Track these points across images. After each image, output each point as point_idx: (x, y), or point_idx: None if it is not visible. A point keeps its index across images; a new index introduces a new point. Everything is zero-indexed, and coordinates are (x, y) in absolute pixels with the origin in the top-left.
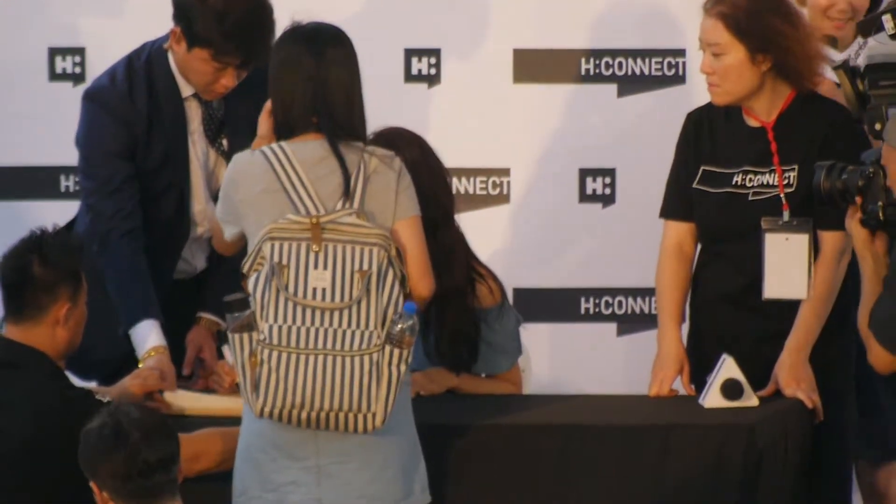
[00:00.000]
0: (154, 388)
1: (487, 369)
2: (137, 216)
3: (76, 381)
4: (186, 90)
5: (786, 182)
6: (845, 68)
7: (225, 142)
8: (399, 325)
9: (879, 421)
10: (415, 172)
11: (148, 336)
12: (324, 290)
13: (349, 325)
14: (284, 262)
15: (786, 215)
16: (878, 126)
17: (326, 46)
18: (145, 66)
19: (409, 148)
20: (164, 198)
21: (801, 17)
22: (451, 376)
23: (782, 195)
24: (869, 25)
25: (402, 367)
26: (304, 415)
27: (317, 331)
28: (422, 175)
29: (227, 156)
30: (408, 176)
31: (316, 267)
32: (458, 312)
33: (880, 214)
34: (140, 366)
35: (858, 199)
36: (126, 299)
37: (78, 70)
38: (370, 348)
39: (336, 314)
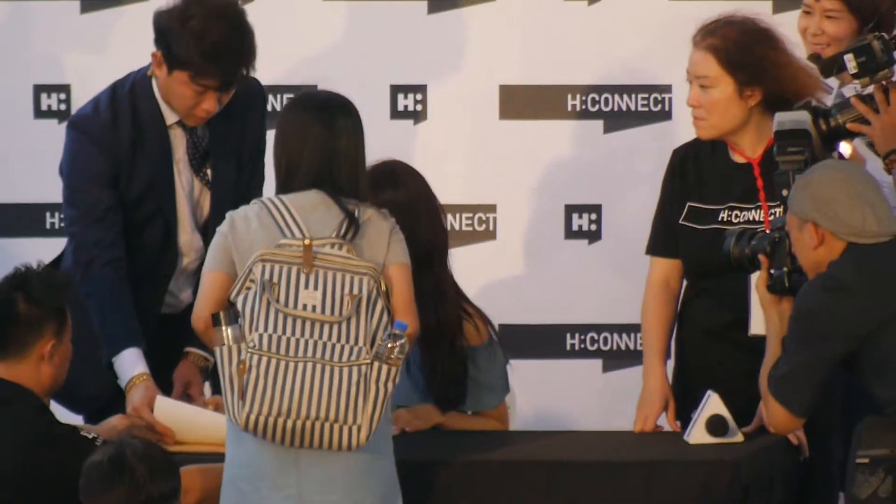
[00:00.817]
0: (141, 435)
1: (475, 406)
2: (120, 246)
3: (66, 416)
4: (171, 117)
5: (772, 218)
6: (808, 108)
7: (209, 171)
8: (389, 343)
9: None
10: (418, 204)
11: (133, 364)
12: (314, 305)
13: (338, 339)
14: (275, 280)
15: None
16: (784, 192)
17: (337, 116)
18: (129, 93)
19: (412, 181)
20: (149, 227)
21: (791, 51)
22: (437, 413)
23: (766, 231)
24: (831, 65)
25: (390, 386)
26: (289, 424)
27: (306, 341)
28: (424, 208)
29: (211, 185)
30: (400, 232)
31: (307, 287)
32: (447, 350)
33: (785, 281)
34: (127, 394)
35: (764, 262)
36: (108, 328)
37: (63, 107)
38: (358, 360)
39: (326, 327)
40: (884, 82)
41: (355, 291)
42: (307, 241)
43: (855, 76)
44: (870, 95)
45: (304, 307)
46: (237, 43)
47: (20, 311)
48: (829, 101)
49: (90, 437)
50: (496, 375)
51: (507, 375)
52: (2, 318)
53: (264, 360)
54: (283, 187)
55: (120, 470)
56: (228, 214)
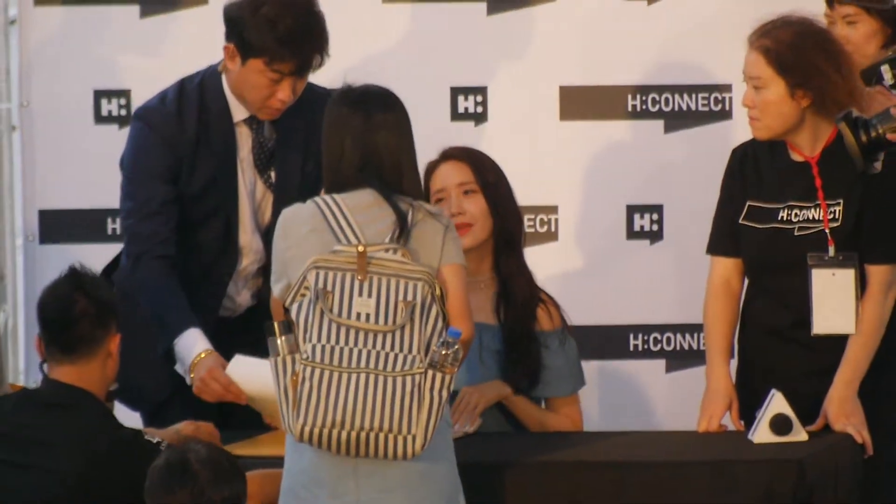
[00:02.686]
0: (207, 438)
1: (546, 392)
2: (173, 243)
3: (125, 415)
4: (238, 114)
5: (831, 217)
6: (847, 120)
7: (273, 174)
8: (443, 350)
9: None
10: (498, 171)
11: (195, 343)
12: (368, 314)
13: (392, 348)
14: (329, 288)
15: (831, 250)
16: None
17: (374, 109)
18: (198, 88)
19: (494, 167)
20: (208, 225)
21: (845, 55)
22: (505, 386)
23: (827, 230)
24: (870, 75)
25: (444, 393)
26: (344, 435)
27: (360, 351)
28: (506, 189)
29: (274, 188)
30: (455, 231)
31: (361, 294)
32: (525, 332)
33: None
34: (194, 372)
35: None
36: (163, 314)
37: (123, 112)
38: (412, 370)
39: (379, 336)
40: None
41: (409, 297)
42: (361, 248)
43: (892, 87)
44: None
45: (358, 316)
46: (311, 27)
47: (87, 309)
48: None
49: (154, 441)
50: (569, 362)
51: (581, 367)
52: (68, 319)
53: (318, 371)
54: (332, 184)
55: (183, 474)
56: (280, 216)
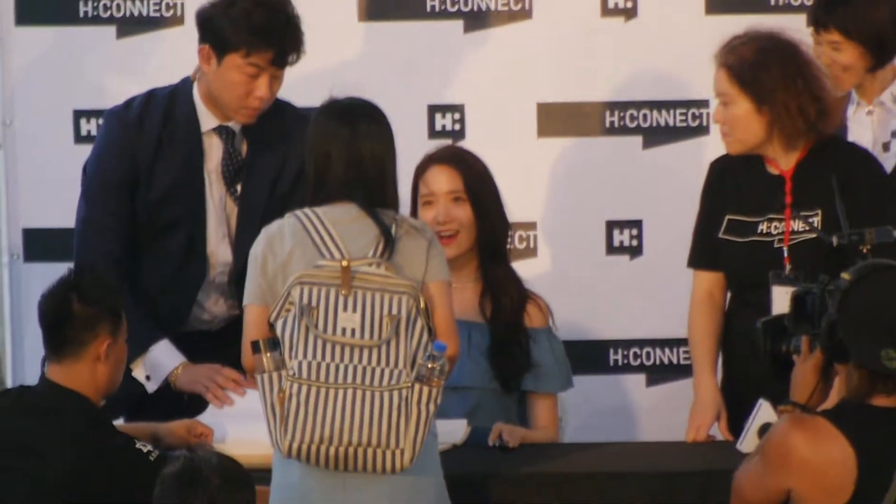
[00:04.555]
0: (199, 435)
1: (534, 386)
2: (122, 258)
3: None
4: (207, 123)
5: (811, 227)
6: (767, 325)
7: (239, 187)
8: (429, 364)
9: None
10: (488, 179)
11: (170, 355)
12: (353, 329)
13: (378, 363)
14: (314, 304)
15: (787, 268)
16: None
17: (361, 121)
18: (168, 96)
19: (483, 173)
20: (172, 233)
21: (812, 67)
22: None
23: (785, 247)
24: None
25: (432, 407)
26: (332, 451)
27: (346, 367)
28: (493, 190)
29: (239, 202)
30: (439, 245)
31: (345, 310)
32: (513, 328)
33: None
34: (176, 383)
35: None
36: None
37: None
38: (399, 384)
39: (365, 352)
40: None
41: (394, 311)
42: (345, 263)
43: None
44: None
45: (343, 332)
46: (285, 18)
47: (75, 311)
48: (850, 111)
49: (145, 450)
50: (557, 360)
51: (569, 367)
52: (58, 319)
53: (304, 387)
54: (315, 197)
55: (194, 481)
56: (263, 231)
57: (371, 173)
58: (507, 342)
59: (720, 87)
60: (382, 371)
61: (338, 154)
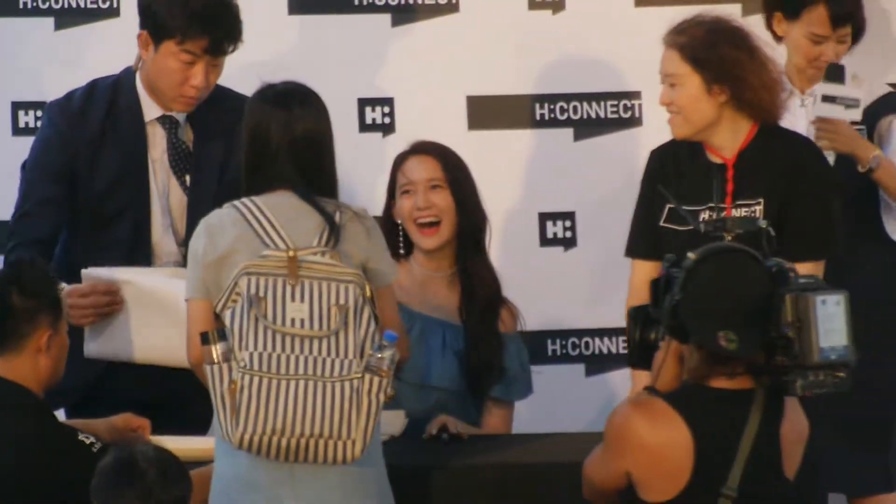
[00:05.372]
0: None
1: (503, 393)
2: (51, 244)
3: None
4: (151, 113)
5: (750, 215)
6: (637, 314)
7: (188, 178)
8: (379, 354)
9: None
10: (466, 169)
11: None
12: (302, 320)
13: (328, 353)
14: (262, 294)
15: None
16: None
17: (296, 105)
18: (111, 86)
19: (461, 165)
20: (117, 223)
21: (759, 50)
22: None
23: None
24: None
25: (382, 397)
26: (283, 442)
27: (297, 358)
28: (469, 175)
29: (189, 192)
30: (379, 231)
31: (293, 300)
32: (489, 331)
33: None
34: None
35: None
36: None
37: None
38: (350, 374)
39: (315, 342)
40: None
41: (342, 301)
42: (291, 253)
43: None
44: None
45: (293, 322)
46: (223, 6)
47: (14, 303)
48: (795, 104)
49: (87, 441)
50: (523, 367)
51: (531, 374)
52: None
53: (256, 379)
54: (251, 184)
55: (130, 473)
56: (202, 222)
57: (308, 156)
58: (482, 345)
59: (670, 67)
60: (333, 361)
61: (274, 138)
